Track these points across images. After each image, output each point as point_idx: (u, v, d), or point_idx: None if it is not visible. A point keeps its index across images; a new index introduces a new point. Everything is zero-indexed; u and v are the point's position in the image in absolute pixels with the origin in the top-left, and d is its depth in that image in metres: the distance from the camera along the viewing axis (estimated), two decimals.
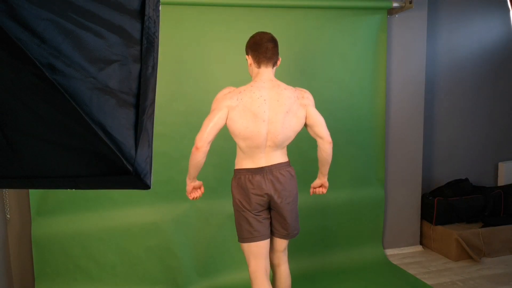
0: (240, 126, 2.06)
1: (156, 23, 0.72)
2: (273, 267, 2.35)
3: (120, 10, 0.68)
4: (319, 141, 2.18)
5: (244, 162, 2.16)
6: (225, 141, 2.70)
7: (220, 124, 2.04)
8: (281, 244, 2.29)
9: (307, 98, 2.14)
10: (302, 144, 2.88)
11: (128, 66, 0.70)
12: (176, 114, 2.97)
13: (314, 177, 3.08)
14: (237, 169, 2.20)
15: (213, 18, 2.97)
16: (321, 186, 2.39)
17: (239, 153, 2.20)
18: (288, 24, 3.10)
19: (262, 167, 2.13)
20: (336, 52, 3.25)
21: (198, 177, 2.20)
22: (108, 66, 0.68)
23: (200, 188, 2.25)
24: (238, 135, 2.09)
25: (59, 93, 0.62)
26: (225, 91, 2.09)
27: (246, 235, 2.18)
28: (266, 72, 2.12)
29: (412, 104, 3.59)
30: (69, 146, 0.70)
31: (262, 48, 2.09)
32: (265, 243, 2.21)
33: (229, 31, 3.01)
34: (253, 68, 2.15)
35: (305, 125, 2.17)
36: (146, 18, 0.71)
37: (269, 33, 2.14)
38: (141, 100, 0.71)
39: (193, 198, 2.24)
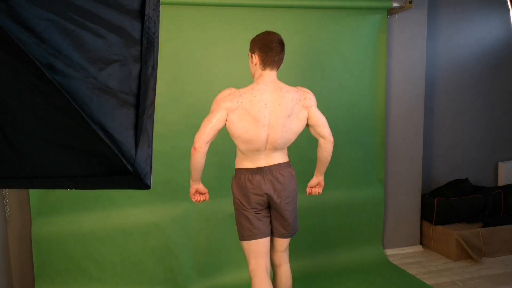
0: (240, 129, 2.05)
1: (156, 23, 0.72)
2: (274, 267, 2.35)
3: (120, 10, 0.68)
4: (321, 141, 2.18)
5: (244, 162, 2.16)
6: (225, 141, 2.69)
7: (219, 125, 2.03)
8: (282, 243, 2.29)
9: (309, 99, 2.13)
10: (302, 144, 2.88)
11: (128, 66, 0.70)
12: (176, 114, 2.96)
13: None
14: (237, 169, 2.20)
15: (213, 18, 2.97)
16: (317, 185, 2.39)
17: (239, 154, 2.20)
18: (288, 24, 3.10)
19: (261, 167, 2.13)
20: (336, 52, 3.25)
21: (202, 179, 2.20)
22: (108, 66, 0.68)
23: (204, 194, 2.24)
24: (237, 137, 2.09)
25: (59, 93, 0.62)
26: (226, 92, 2.07)
27: (246, 233, 2.18)
28: (270, 75, 2.10)
29: (412, 104, 3.59)
30: (69, 146, 0.70)
31: (273, 51, 2.06)
32: (265, 241, 2.21)
33: (229, 31, 3.00)
34: (257, 69, 2.12)
35: (307, 125, 2.17)
36: (146, 18, 0.71)
37: (278, 34, 2.12)
38: (141, 100, 0.71)
39: (195, 201, 2.24)
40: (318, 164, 2.30)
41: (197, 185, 2.18)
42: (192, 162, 2.04)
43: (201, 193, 2.23)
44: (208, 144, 2.02)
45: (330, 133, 2.17)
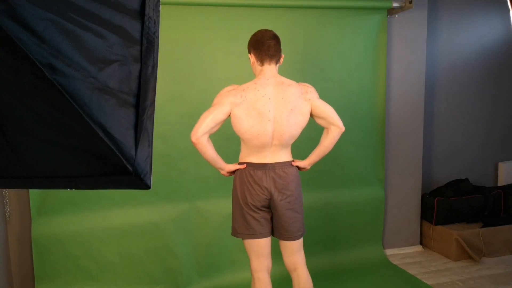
0: (245, 126, 2.05)
1: (156, 23, 0.72)
2: (289, 272, 2.27)
3: (120, 10, 0.68)
4: (332, 127, 2.15)
5: (248, 157, 2.15)
6: (225, 141, 2.70)
7: (220, 118, 2.03)
8: (290, 246, 2.21)
9: (311, 92, 2.13)
10: (302, 145, 2.87)
11: (128, 66, 0.70)
12: (176, 114, 2.96)
13: (314, 177, 3.07)
14: (241, 163, 2.19)
15: (213, 18, 2.97)
16: (302, 168, 2.26)
17: (243, 149, 2.18)
18: (288, 24, 3.10)
19: (265, 164, 2.11)
20: (336, 52, 3.25)
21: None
22: (108, 66, 0.68)
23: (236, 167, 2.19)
24: (243, 134, 2.08)
25: (59, 93, 0.62)
26: (229, 88, 2.10)
27: (241, 231, 2.16)
28: (270, 69, 2.11)
29: (412, 104, 3.59)
30: (69, 146, 0.70)
31: (265, 45, 2.08)
32: (264, 241, 2.17)
33: (229, 31, 3.01)
34: (256, 66, 2.14)
35: (316, 117, 2.16)
36: (146, 18, 0.71)
37: (271, 31, 2.14)
38: (141, 100, 0.71)
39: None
40: (315, 151, 2.22)
41: (225, 171, 2.18)
42: (202, 155, 2.06)
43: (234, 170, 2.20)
44: (206, 135, 2.01)
45: (341, 122, 2.16)
